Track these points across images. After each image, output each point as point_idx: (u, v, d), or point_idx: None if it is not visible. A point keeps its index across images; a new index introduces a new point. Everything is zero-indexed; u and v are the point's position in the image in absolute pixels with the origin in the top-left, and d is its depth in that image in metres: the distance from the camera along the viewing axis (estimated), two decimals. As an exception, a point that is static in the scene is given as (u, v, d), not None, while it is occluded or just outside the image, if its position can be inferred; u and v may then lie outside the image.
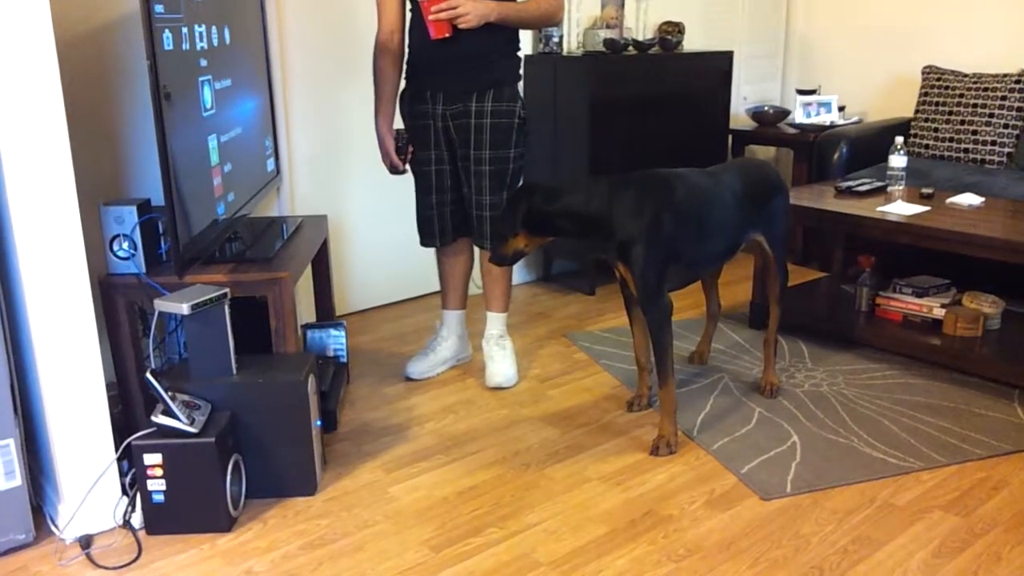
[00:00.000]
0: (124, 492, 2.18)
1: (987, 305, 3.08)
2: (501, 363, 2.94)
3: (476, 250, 3.01)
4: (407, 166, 2.86)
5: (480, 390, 2.94)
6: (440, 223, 2.90)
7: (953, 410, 2.73)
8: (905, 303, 3.19)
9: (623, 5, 4.17)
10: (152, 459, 2.06)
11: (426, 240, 2.95)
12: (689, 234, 2.45)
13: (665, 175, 2.48)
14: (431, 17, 2.57)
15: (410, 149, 2.83)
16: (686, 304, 3.62)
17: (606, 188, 2.40)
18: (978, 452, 2.47)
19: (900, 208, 3.11)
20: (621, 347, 3.26)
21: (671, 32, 4.19)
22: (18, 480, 2.05)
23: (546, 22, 2.80)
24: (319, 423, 2.37)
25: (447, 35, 2.60)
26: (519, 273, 3.99)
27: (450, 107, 2.76)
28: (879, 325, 3.18)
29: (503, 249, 2.49)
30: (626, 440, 2.58)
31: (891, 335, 3.11)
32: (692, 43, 4.44)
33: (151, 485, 2.08)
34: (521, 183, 2.79)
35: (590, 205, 2.39)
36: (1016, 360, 2.84)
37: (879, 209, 3.11)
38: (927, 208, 3.11)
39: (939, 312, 3.10)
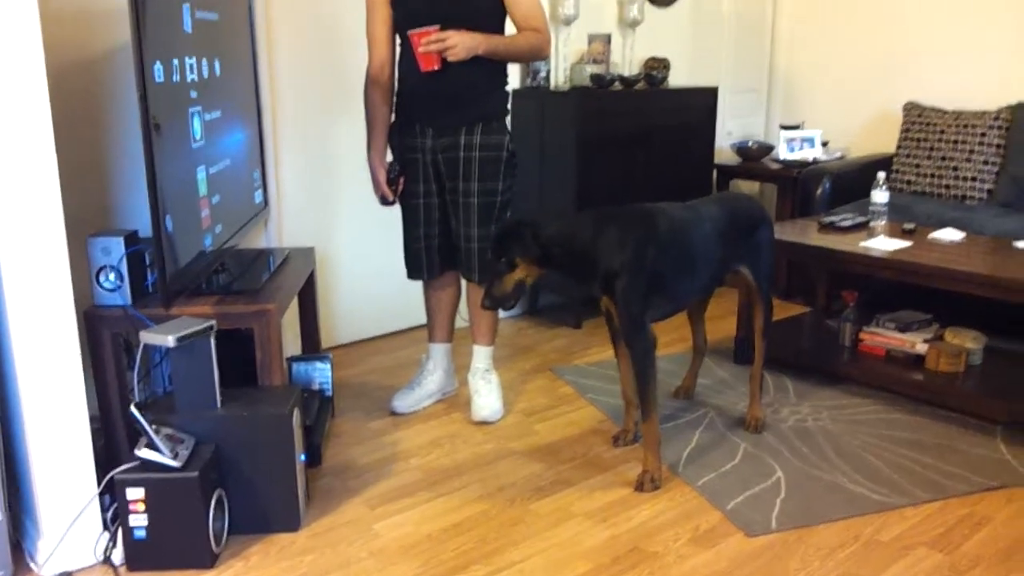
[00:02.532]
0: (105, 527, 2.16)
1: (969, 340, 3.10)
2: (487, 397, 2.94)
3: (463, 283, 3.02)
4: (396, 198, 2.87)
5: (466, 424, 2.93)
6: (428, 256, 2.91)
7: (937, 446, 2.74)
8: (888, 338, 3.21)
9: (609, 41, 4.21)
10: (135, 493, 2.04)
11: (413, 273, 2.96)
12: (672, 266, 2.48)
13: (648, 209, 2.51)
14: (421, 50, 2.60)
15: (401, 180, 2.84)
16: (672, 339, 3.64)
17: (591, 221, 2.44)
18: (962, 488, 2.48)
19: (882, 243, 3.14)
20: (607, 381, 3.26)
21: (657, 68, 4.25)
22: (-3, 514, 2.03)
23: (534, 56, 2.83)
24: (303, 457, 2.36)
25: (436, 68, 2.62)
26: (505, 305, 4.00)
27: (439, 140, 2.78)
28: (863, 360, 3.20)
29: (501, 286, 2.45)
30: (612, 475, 2.58)
31: (874, 370, 3.13)
32: (677, 79, 4.50)
33: (133, 520, 2.06)
34: (508, 217, 2.80)
35: (576, 237, 2.42)
36: (998, 396, 2.86)
37: (862, 244, 3.14)
38: (909, 243, 3.15)
39: (922, 347, 3.13)
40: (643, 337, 2.45)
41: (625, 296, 2.41)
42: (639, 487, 2.48)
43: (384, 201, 2.87)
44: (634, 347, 2.47)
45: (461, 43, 2.59)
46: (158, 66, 2.10)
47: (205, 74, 2.44)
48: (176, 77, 2.22)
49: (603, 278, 2.43)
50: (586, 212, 2.50)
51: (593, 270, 2.43)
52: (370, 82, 2.81)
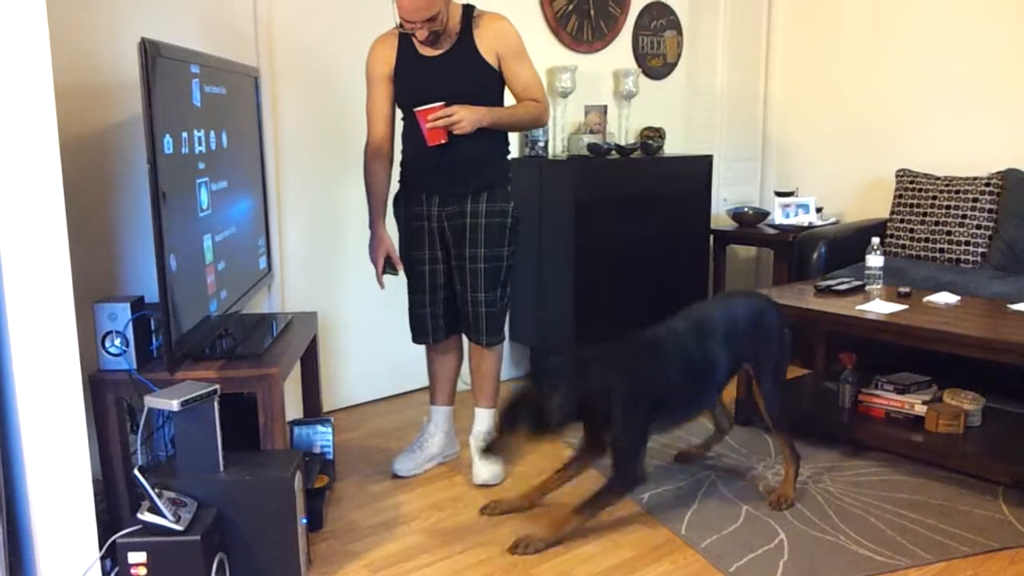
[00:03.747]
0: (106, 592, 2.15)
1: (967, 402, 3.12)
2: (488, 460, 2.94)
3: (465, 346, 3.05)
4: (385, 279, 2.96)
5: (467, 487, 2.93)
6: (433, 321, 2.95)
7: (938, 507, 2.73)
8: (887, 400, 3.23)
9: (606, 112, 4.33)
10: (136, 557, 2.04)
11: (418, 337, 2.99)
12: (673, 392, 2.60)
13: (644, 343, 2.60)
14: (428, 126, 2.68)
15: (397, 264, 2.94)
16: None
17: (596, 369, 2.50)
18: (964, 549, 2.47)
19: (878, 307, 3.18)
20: (608, 444, 3.26)
21: (652, 137, 4.35)
22: (-2, 579, 2.02)
23: (535, 124, 2.91)
24: (305, 521, 2.36)
25: (443, 141, 2.70)
26: (507, 369, 4.02)
27: (445, 208, 2.84)
28: (862, 422, 3.21)
29: (503, 447, 2.55)
30: (613, 539, 2.57)
31: (874, 432, 3.14)
32: (673, 147, 4.60)
33: (134, 584, 2.05)
34: (522, 389, 2.58)
35: (581, 395, 2.49)
36: (998, 456, 2.87)
37: (858, 308, 3.18)
38: (905, 307, 3.19)
39: (920, 409, 3.14)
40: (633, 472, 2.54)
41: (620, 430, 2.51)
42: (514, 549, 2.48)
43: (379, 277, 2.95)
44: (621, 476, 2.53)
45: (467, 117, 2.67)
46: (167, 138, 2.17)
47: (213, 146, 2.51)
48: (185, 149, 2.29)
49: (602, 416, 2.52)
50: (593, 358, 2.53)
51: (592, 415, 2.55)
52: (370, 157, 2.88)
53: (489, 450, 2.57)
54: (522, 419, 2.50)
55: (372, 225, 2.92)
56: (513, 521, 2.68)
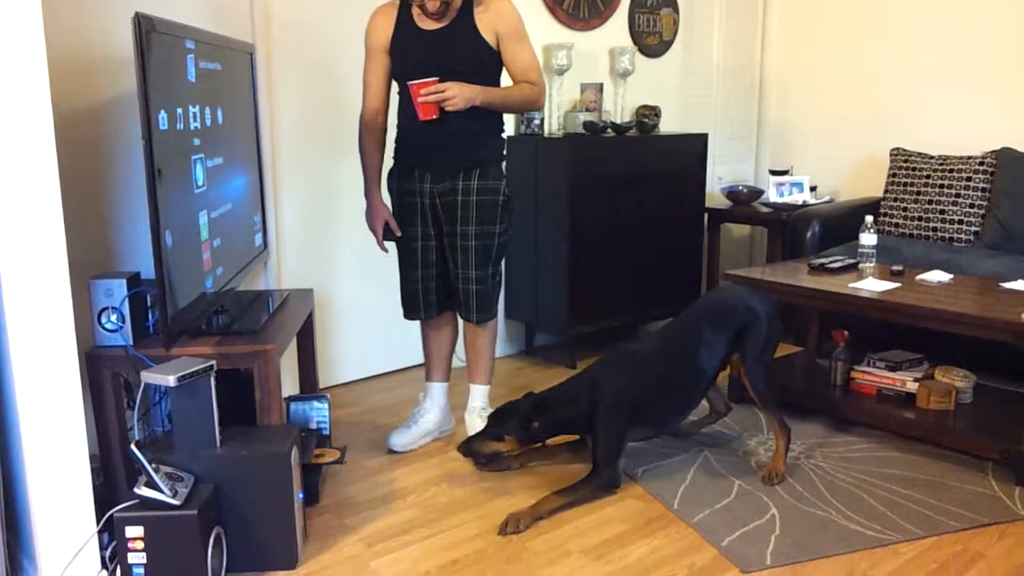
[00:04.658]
0: (104, 565, 2.17)
1: (959, 379, 3.14)
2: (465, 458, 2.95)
3: (460, 323, 3.06)
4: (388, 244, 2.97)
5: (462, 463, 2.95)
6: (425, 297, 2.96)
7: (929, 483, 2.77)
8: (879, 377, 3.25)
9: (602, 90, 4.32)
10: (134, 531, 2.06)
11: (410, 313, 3.00)
12: (658, 402, 2.76)
13: (627, 359, 2.77)
14: (420, 100, 2.67)
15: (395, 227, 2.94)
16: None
17: (582, 388, 2.72)
18: (954, 524, 2.50)
19: (872, 285, 3.20)
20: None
21: (648, 115, 4.34)
22: (-4, 553, 2.04)
23: (529, 107, 2.90)
24: (301, 496, 2.38)
25: (435, 117, 2.70)
26: (502, 346, 4.04)
27: (437, 185, 2.84)
28: (854, 399, 3.24)
29: (482, 446, 2.75)
30: (607, 513, 2.59)
31: (866, 408, 3.16)
32: (668, 125, 4.60)
33: (132, 558, 2.07)
34: (527, 395, 2.81)
35: (567, 410, 2.71)
36: (988, 433, 2.90)
37: (851, 286, 3.19)
38: (898, 285, 3.20)
39: (912, 386, 3.16)
40: (611, 475, 2.67)
41: (604, 433, 2.66)
42: (503, 530, 2.50)
43: (380, 244, 2.96)
44: (599, 477, 2.66)
45: (460, 95, 2.66)
46: (163, 114, 2.16)
47: (208, 122, 2.51)
48: (180, 125, 2.28)
49: (587, 426, 2.71)
50: (581, 377, 2.77)
51: (575, 427, 2.75)
52: (364, 129, 2.89)
53: (467, 448, 2.74)
54: (510, 421, 2.70)
55: (368, 194, 2.92)
56: (506, 496, 2.70)
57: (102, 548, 2.17)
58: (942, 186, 4.08)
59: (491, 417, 2.77)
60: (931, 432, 3.00)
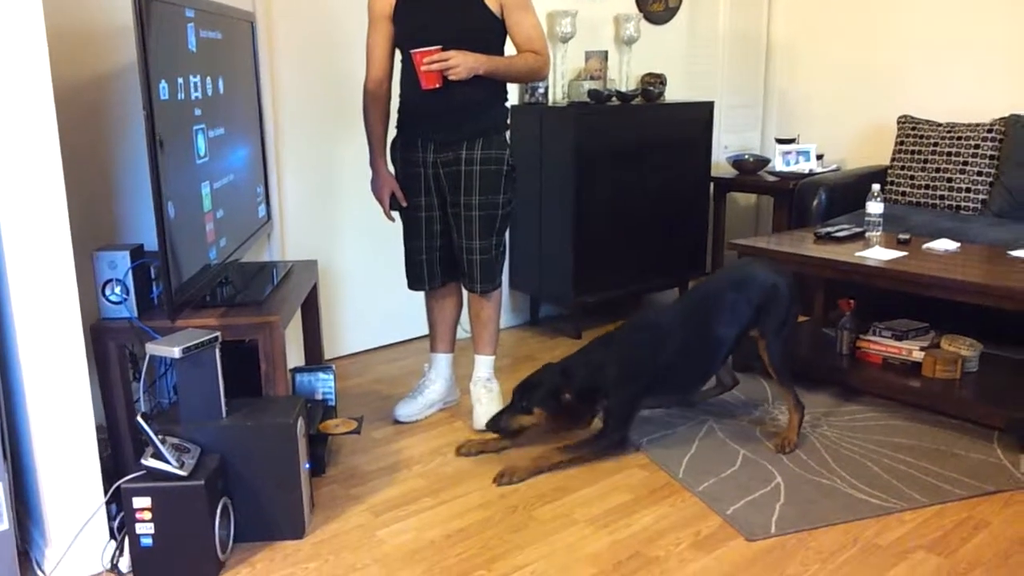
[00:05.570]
0: (112, 536, 2.18)
1: (965, 348, 3.13)
2: (488, 406, 2.96)
3: (464, 294, 3.05)
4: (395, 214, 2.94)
5: (468, 432, 2.96)
6: (429, 268, 2.95)
7: (934, 451, 2.77)
8: (885, 346, 3.24)
9: (607, 58, 4.28)
10: (141, 502, 2.07)
11: (414, 284, 2.99)
12: (668, 375, 2.75)
13: (644, 327, 2.78)
14: (423, 68, 2.64)
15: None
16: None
17: (612, 350, 2.72)
18: (959, 492, 2.50)
19: (878, 253, 3.18)
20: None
21: (653, 83, 4.30)
22: (5, 524, 2.05)
23: (532, 77, 2.87)
24: (308, 466, 2.39)
25: (438, 86, 2.67)
26: (507, 317, 4.03)
27: (441, 155, 2.82)
28: (860, 367, 3.23)
29: (511, 421, 2.73)
30: (612, 482, 2.60)
31: (872, 377, 3.16)
32: (674, 94, 4.56)
33: (140, 528, 2.09)
34: (547, 366, 2.81)
35: (601, 375, 2.69)
36: (994, 402, 2.89)
37: (857, 254, 3.18)
38: (904, 253, 3.19)
39: (918, 355, 3.16)
40: (621, 438, 2.73)
41: (617, 402, 2.69)
42: (498, 480, 2.58)
43: (387, 213, 2.94)
44: (609, 438, 2.71)
45: (463, 63, 2.64)
46: (163, 84, 2.14)
47: (209, 92, 2.49)
48: (181, 95, 2.26)
49: (603, 393, 2.71)
50: (605, 342, 2.77)
51: (594, 400, 2.72)
52: (368, 97, 2.86)
53: (495, 425, 2.73)
54: (539, 392, 2.68)
55: (373, 164, 2.91)
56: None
57: (110, 519, 2.19)
58: (950, 154, 4.04)
59: (516, 391, 2.75)
60: (937, 401, 3.00)
